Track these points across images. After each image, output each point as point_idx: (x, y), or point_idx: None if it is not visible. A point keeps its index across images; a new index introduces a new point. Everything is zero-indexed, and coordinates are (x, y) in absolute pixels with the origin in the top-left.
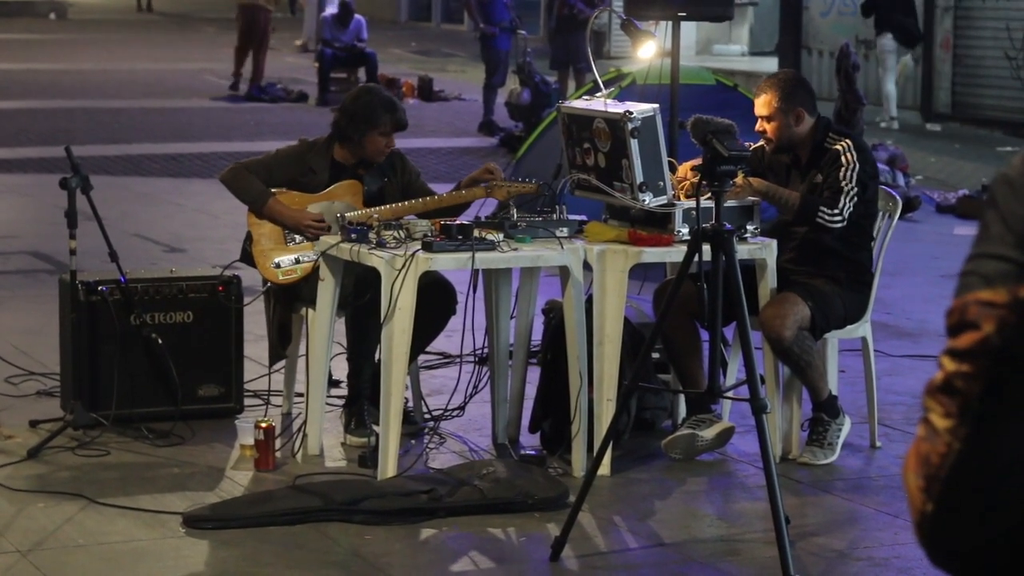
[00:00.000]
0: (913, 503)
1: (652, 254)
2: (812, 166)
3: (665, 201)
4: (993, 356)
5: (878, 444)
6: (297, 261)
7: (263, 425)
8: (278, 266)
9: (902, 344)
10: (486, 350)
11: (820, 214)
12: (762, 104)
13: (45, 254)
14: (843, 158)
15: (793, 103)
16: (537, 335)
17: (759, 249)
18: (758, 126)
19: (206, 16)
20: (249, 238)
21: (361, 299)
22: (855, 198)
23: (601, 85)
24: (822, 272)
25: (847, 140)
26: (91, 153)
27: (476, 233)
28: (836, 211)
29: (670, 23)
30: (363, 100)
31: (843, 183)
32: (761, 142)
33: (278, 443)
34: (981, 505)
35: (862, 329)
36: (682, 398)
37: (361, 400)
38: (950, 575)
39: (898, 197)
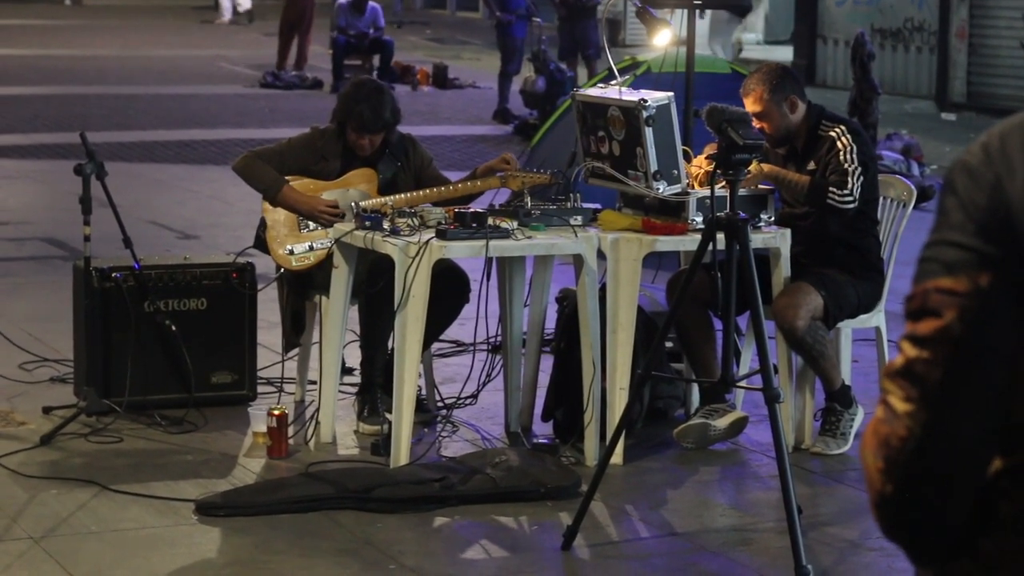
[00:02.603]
0: (872, 483)
1: (666, 243)
2: (808, 155)
3: (679, 190)
4: (953, 344)
5: None
6: (311, 248)
7: (276, 413)
8: (291, 252)
9: None
10: (499, 338)
11: (831, 195)
12: (753, 101)
13: (59, 240)
14: (839, 143)
15: (784, 92)
16: (551, 323)
17: (773, 238)
18: (754, 124)
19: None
20: (263, 225)
21: (375, 287)
22: (861, 177)
23: (616, 73)
24: (832, 261)
25: (841, 126)
26: (105, 139)
27: (490, 221)
28: (847, 191)
29: (686, 11)
30: (345, 93)
31: (846, 164)
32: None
33: (291, 431)
34: (939, 488)
35: (876, 319)
36: (695, 387)
37: (374, 388)
38: (904, 550)
39: (912, 186)
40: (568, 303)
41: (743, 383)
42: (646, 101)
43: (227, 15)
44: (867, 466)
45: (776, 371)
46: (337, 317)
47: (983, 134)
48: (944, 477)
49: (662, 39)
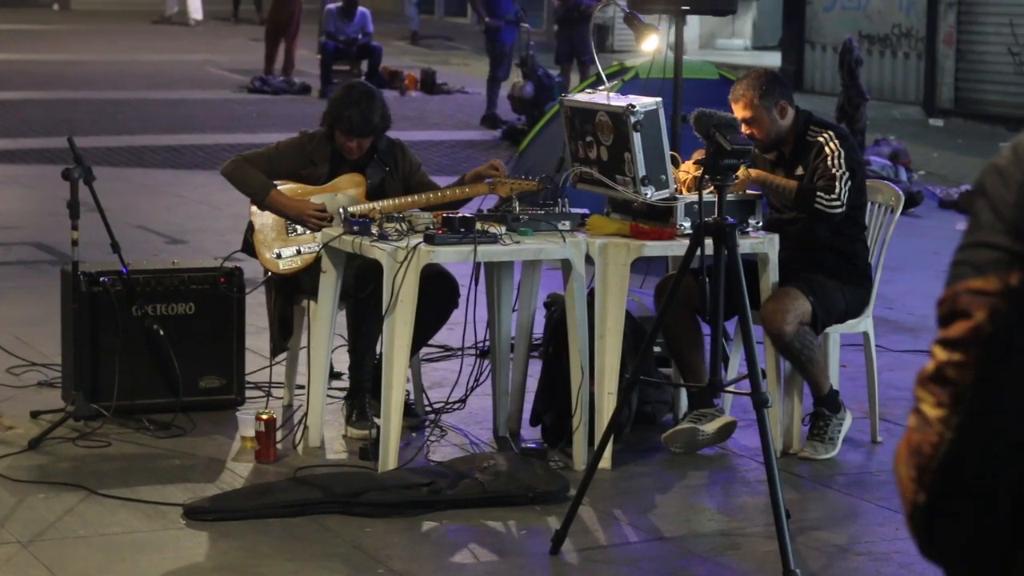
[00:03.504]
0: (905, 494)
1: (654, 248)
2: (796, 161)
3: (667, 195)
4: (985, 344)
5: (879, 439)
6: (299, 252)
7: (264, 417)
8: (279, 257)
9: (903, 339)
10: (488, 343)
11: (818, 200)
12: (742, 107)
13: (47, 245)
14: (827, 148)
15: (773, 97)
16: (539, 328)
17: (761, 243)
18: (743, 130)
19: (209, 9)
20: (251, 229)
21: (363, 291)
22: (848, 182)
23: (604, 78)
24: (820, 267)
25: (829, 131)
26: (93, 144)
27: (478, 226)
28: (834, 195)
29: (673, 17)
30: (336, 97)
31: (834, 170)
32: None
33: (279, 435)
34: (974, 495)
35: (864, 324)
36: (683, 392)
37: (362, 392)
38: (941, 566)
39: (900, 192)
40: (556, 308)
41: (731, 388)
42: (634, 106)
43: (196, 15)
44: (900, 478)
45: (764, 376)
46: (325, 321)
47: (1013, 138)
48: (979, 484)
49: (650, 45)
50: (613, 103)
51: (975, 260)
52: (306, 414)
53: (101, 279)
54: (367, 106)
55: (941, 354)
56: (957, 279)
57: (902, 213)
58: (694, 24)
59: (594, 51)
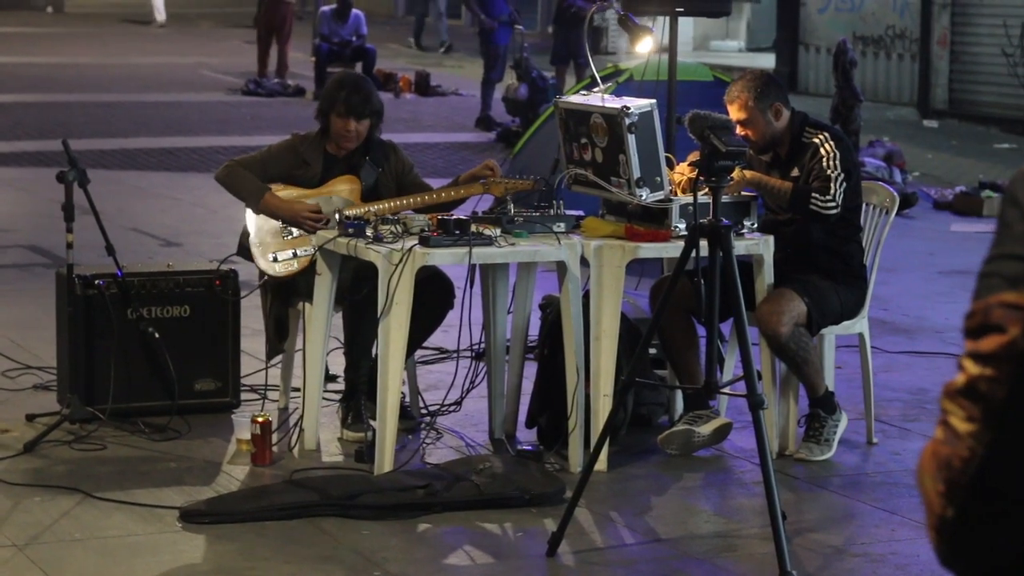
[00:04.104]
0: (931, 507)
1: (649, 249)
2: (792, 162)
3: (662, 196)
4: (1019, 360)
5: (874, 440)
6: (294, 255)
7: (260, 420)
8: (275, 259)
9: (899, 340)
10: (483, 345)
11: (813, 201)
12: (737, 108)
13: (42, 248)
14: (822, 149)
15: (768, 99)
16: (534, 330)
17: (756, 244)
18: (738, 131)
19: (203, 11)
20: (246, 232)
21: (358, 293)
22: (844, 183)
23: (599, 80)
24: (815, 268)
25: (824, 132)
26: (88, 147)
27: (473, 228)
28: (829, 197)
29: (667, 19)
30: (329, 86)
31: (828, 171)
32: None
33: (275, 438)
34: (1005, 511)
35: (859, 325)
36: (679, 394)
37: (358, 395)
38: None
39: (895, 193)
40: (551, 310)
41: (727, 389)
42: (628, 108)
43: (160, 16)
44: (926, 490)
45: (760, 377)
46: (320, 324)
47: None
48: (1011, 500)
49: (644, 47)
50: (608, 105)
51: (1007, 272)
52: (302, 417)
53: (96, 282)
54: (363, 88)
55: (973, 368)
56: (988, 291)
57: (896, 214)
58: (688, 26)
59: (588, 53)
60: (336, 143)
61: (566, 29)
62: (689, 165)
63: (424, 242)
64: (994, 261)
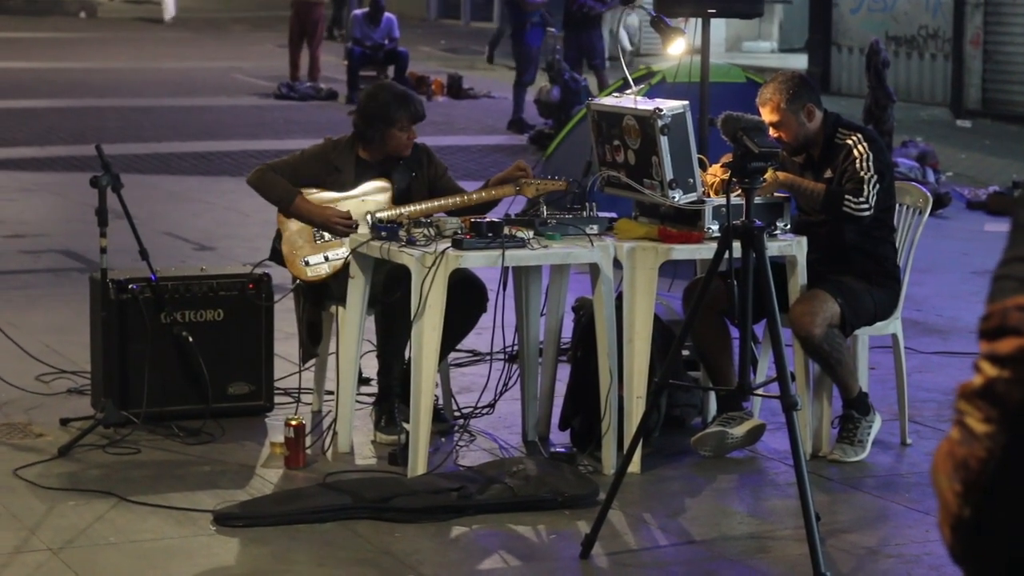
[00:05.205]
0: (947, 506)
1: (682, 251)
2: (825, 163)
3: (695, 198)
4: None
5: (908, 441)
6: (326, 259)
7: (293, 423)
8: (307, 264)
9: (932, 341)
10: (516, 347)
11: (846, 203)
12: (770, 110)
13: (76, 252)
14: (855, 151)
15: (801, 100)
16: (567, 332)
17: (789, 246)
18: (771, 134)
19: (234, 15)
20: (279, 236)
21: (391, 297)
22: (877, 185)
23: (631, 82)
24: (848, 269)
25: (857, 134)
26: (121, 152)
27: (506, 231)
28: (862, 199)
29: (700, 20)
30: (377, 99)
31: (862, 172)
32: None
33: (308, 441)
34: (1021, 511)
35: (892, 326)
36: (712, 395)
37: (391, 398)
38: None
39: (928, 193)
40: (584, 312)
41: (760, 391)
42: (661, 110)
43: (168, 14)
44: (941, 489)
45: (793, 379)
46: (354, 327)
47: None
48: None
49: (676, 48)
50: (640, 107)
51: (1021, 274)
52: (335, 420)
53: (130, 286)
54: (407, 96)
55: (990, 370)
56: (1002, 293)
57: (930, 215)
58: (720, 27)
59: (621, 55)
60: (396, 154)
61: (576, 32)
62: (722, 167)
63: (457, 245)
64: (1009, 264)
